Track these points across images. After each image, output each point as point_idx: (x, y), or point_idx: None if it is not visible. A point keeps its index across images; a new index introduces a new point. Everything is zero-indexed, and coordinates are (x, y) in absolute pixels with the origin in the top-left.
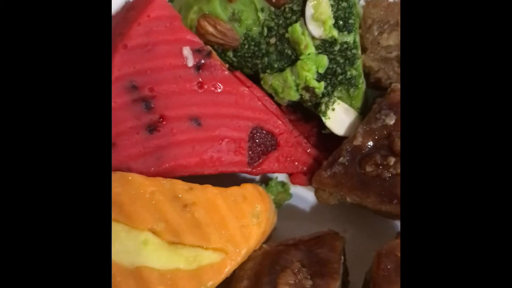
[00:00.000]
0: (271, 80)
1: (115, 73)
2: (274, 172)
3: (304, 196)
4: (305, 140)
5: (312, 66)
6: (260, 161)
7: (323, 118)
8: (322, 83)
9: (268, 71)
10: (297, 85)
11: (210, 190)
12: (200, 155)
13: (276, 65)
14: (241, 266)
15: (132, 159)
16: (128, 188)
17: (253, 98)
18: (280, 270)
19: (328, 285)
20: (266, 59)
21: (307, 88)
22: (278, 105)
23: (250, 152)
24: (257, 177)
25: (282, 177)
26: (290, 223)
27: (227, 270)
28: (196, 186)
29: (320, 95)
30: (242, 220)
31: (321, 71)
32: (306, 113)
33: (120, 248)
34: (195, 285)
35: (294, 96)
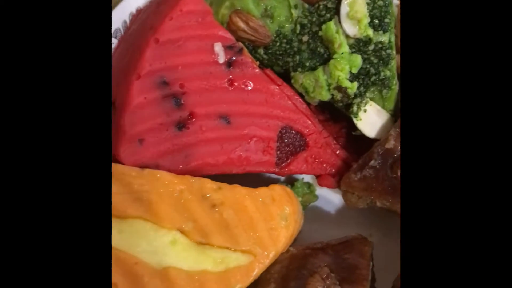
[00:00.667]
0: (302, 79)
1: (146, 68)
2: (301, 173)
3: (330, 198)
4: (334, 142)
5: (345, 65)
6: (288, 161)
7: (354, 120)
8: (355, 84)
9: (300, 69)
10: (329, 85)
11: (238, 190)
12: (228, 154)
13: (307, 64)
14: (268, 269)
15: (160, 156)
16: (157, 186)
17: (283, 97)
18: (308, 275)
19: None
20: (297, 57)
21: (339, 88)
22: (308, 104)
23: (278, 152)
24: (282, 178)
25: (307, 178)
26: (315, 226)
27: (255, 273)
28: (225, 185)
29: (352, 96)
30: (271, 222)
31: (354, 71)
32: (335, 113)
33: (148, 248)
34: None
35: (326, 96)
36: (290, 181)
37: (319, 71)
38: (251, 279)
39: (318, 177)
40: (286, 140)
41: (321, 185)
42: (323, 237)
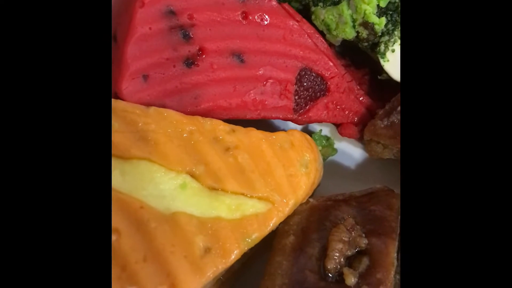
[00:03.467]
0: (324, 14)
1: None
2: (321, 121)
3: (349, 152)
4: (358, 87)
5: None
6: (307, 107)
7: (381, 61)
8: (383, 19)
9: (321, 4)
10: (354, 21)
11: (254, 134)
12: (242, 96)
13: None
14: (286, 221)
15: (167, 95)
16: (164, 125)
17: (303, 34)
18: (331, 226)
19: (386, 245)
20: None
21: (366, 24)
22: (329, 45)
23: (297, 97)
24: (298, 128)
25: (325, 131)
26: (333, 181)
27: (274, 222)
28: (239, 128)
29: (380, 33)
30: (290, 169)
31: (383, 4)
32: (357, 59)
33: (154, 191)
34: (239, 236)
35: (350, 34)
36: (307, 133)
37: (343, 5)
38: (269, 228)
39: (339, 126)
40: (305, 84)
41: (342, 134)
42: (343, 191)
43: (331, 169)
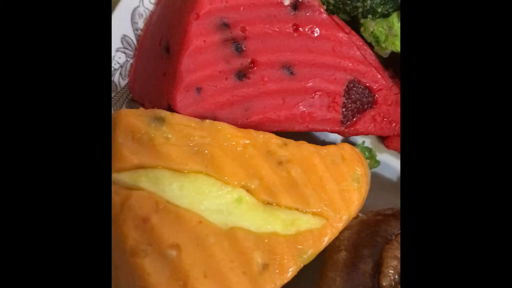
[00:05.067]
0: (373, 26)
1: (205, 6)
2: (368, 134)
3: (392, 164)
4: None
5: None
6: (354, 120)
7: None
8: None
9: (370, 16)
10: None
11: (306, 147)
12: (291, 109)
13: (379, 10)
14: (337, 236)
15: (219, 108)
16: (219, 139)
17: (352, 47)
18: (382, 242)
19: None
20: (368, 2)
21: None
22: (377, 57)
23: (344, 109)
24: (339, 140)
25: (367, 142)
26: (376, 193)
27: (328, 238)
28: (291, 141)
29: None
30: (342, 184)
31: None
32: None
33: (212, 206)
34: (295, 252)
35: (400, 46)
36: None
37: (393, 17)
38: (324, 244)
39: (385, 138)
40: (353, 96)
41: (389, 147)
42: (386, 205)
43: (373, 181)
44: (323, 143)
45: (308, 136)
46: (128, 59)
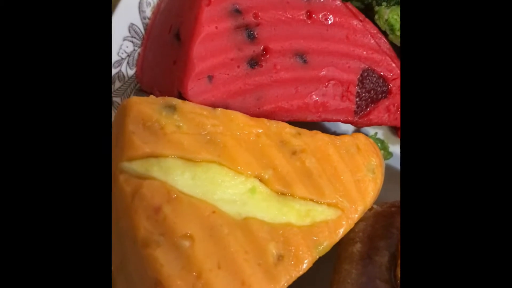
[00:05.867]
0: (388, 14)
1: None
2: (382, 124)
3: None
4: None
5: None
6: (368, 110)
7: None
8: None
9: (385, 3)
10: None
11: (320, 137)
12: (304, 98)
13: None
14: (351, 228)
15: (230, 96)
16: (231, 128)
17: (366, 34)
18: (398, 234)
19: None
20: None
21: None
22: (392, 45)
23: (358, 99)
24: (350, 131)
25: (379, 134)
26: (389, 185)
27: (344, 229)
28: (305, 131)
29: None
30: (357, 174)
31: None
32: None
33: (225, 196)
34: (311, 244)
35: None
36: None
37: None
38: (339, 236)
39: (399, 129)
40: (367, 85)
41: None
42: (399, 197)
43: (386, 173)
44: (334, 134)
45: (318, 127)
46: (136, 48)
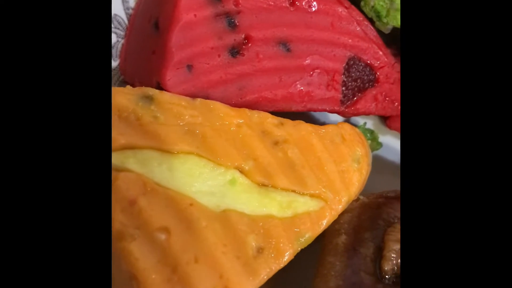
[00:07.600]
0: (374, 0)
1: None
2: (369, 114)
3: (394, 146)
4: None
5: None
6: (355, 99)
7: None
8: None
9: None
10: None
11: (303, 127)
12: (288, 88)
13: None
14: (336, 219)
15: (211, 86)
16: (211, 118)
17: (352, 22)
18: (384, 225)
19: None
20: None
21: None
22: (378, 33)
23: (344, 88)
24: (339, 121)
25: (369, 124)
26: (378, 176)
27: (327, 220)
28: (287, 121)
29: None
30: (342, 164)
31: None
32: None
33: (204, 188)
34: (292, 236)
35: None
36: None
37: None
38: (322, 227)
39: (387, 118)
40: (353, 74)
41: (391, 128)
42: (388, 188)
43: (376, 164)
44: (323, 124)
45: (307, 117)
46: (119, 39)
